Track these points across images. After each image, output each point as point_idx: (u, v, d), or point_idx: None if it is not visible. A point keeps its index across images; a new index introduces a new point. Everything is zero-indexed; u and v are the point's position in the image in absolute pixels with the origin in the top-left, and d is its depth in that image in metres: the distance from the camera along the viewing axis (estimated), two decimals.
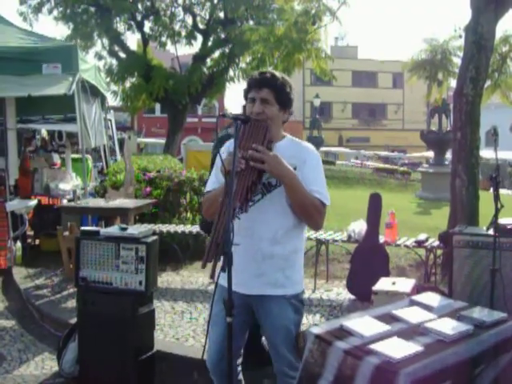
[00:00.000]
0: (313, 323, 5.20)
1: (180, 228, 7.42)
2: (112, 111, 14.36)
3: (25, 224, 8.19)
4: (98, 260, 4.11)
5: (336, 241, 6.63)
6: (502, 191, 10.43)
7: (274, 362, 3.04)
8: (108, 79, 19.05)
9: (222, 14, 20.47)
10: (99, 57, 20.61)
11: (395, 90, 53.91)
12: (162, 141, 25.04)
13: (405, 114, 54.38)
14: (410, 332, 2.75)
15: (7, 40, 7.63)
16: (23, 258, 7.82)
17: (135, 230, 4.31)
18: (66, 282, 6.69)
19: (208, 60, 21.11)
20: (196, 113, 40.46)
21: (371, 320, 2.87)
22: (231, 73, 20.81)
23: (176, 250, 7.44)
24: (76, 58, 7.46)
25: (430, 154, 23.95)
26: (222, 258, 2.46)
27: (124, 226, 4.42)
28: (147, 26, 20.73)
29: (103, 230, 4.34)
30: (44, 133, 11.93)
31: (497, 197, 4.05)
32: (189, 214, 8.36)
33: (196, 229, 7.38)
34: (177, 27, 20.78)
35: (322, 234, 6.67)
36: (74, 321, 4.71)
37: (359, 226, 6.39)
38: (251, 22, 19.45)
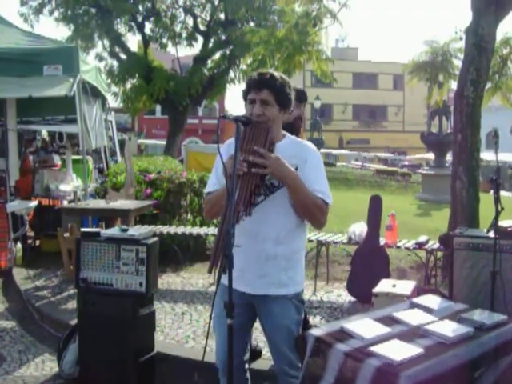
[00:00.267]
0: (313, 325, 5.19)
1: (180, 229, 7.42)
2: (113, 112, 14.36)
3: (25, 225, 8.19)
4: (98, 261, 4.12)
5: (336, 243, 6.63)
6: (503, 193, 10.44)
7: (275, 362, 3.05)
8: (109, 80, 19.06)
9: (222, 16, 20.49)
10: (100, 58, 20.64)
11: (396, 91, 53.94)
12: (163, 142, 25.04)
13: (405, 115, 54.40)
14: (411, 334, 2.74)
15: (8, 41, 7.65)
16: (23, 259, 7.82)
17: (136, 231, 4.32)
18: (66, 283, 6.69)
19: (209, 61, 21.12)
20: (196, 114, 40.47)
21: (372, 322, 2.87)
22: (232, 74, 20.83)
23: (176, 251, 7.43)
24: (77, 60, 7.48)
25: (431, 155, 23.98)
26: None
27: (124, 227, 4.42)
28: (148, 27, 20.76)
29: (104, 232, 4.35)
30: (44, 134, 11.94)
31: (497, 199, 4.05)
32: (189, 216, 8.35)
33: (196, 230, 7.38)
34: (177, 29, 20.79)
35: (322, 236, 6.68)
36: (74, 322, 4.72)
37: (360, 228, 6.39)
38: (252, 24, 19.45)
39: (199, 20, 20.90)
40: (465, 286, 4.64)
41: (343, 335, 2.71)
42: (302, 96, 4.63)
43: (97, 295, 4.12)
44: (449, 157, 17.49)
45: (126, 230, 4.22)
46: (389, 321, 2.91)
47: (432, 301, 3.21)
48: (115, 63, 20.66)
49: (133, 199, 7.37)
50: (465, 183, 6.49)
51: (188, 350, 4.76)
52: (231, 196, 2.48)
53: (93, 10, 19.46)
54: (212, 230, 7.28)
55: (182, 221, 8.12)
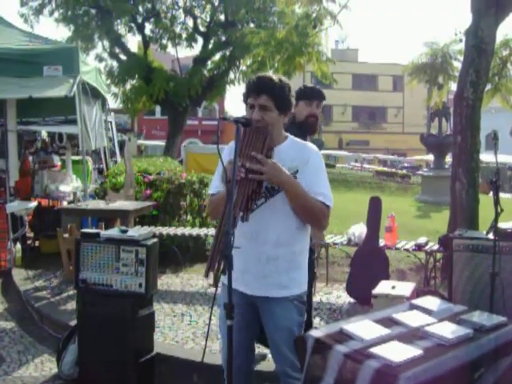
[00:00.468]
0: (313, 326, 5.19)
1: (180, 230, 7.42)
2: (112, 113, 14.37)
3: (25, 226, 8.19)
4: (98, 262, 4.12)
5: (336, 244, 6.64)
6: (502, 195, 10.44)
7: (276, 363, 3.06)
8: (108, 81, 19.07)
9: (222, 17, 20.50)
10: (100, 59, 20.65)
11: (395, 93, 53.94)
12: (162, 143, 25.05)
13: (405, 117, 54.39)
14: (410, 336, 2.75)
15: (8, 42, 7.64)
16: (23, 260, 7.82)
17: (135, 232, 4.32)
18: (65, 284, 6.69)
19: (208, 62, 21.13)
20: (196, 115, 40.46)
21: (371, 324, 2.87)
22: (232, 75, 20.84)
23: (176, 252, 7.43)
24: (77, 60, 7.48)
25: (430, 157, 23.99)
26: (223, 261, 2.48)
27: (124, 228, 4.42)
28: (148, 28, 20.78)
29: (103, 232, 4.35)
30: (44, 134, 11.94)
31: (497, 201, 4.05)
32: (189, 217, 8.36)
33: (196, 231, 7.38)
34: (177, 29, 20.80)
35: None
36: (73, 323, 4.72)
37: (359, 230, 6.39)
38: (252, 25, 19.45)
39: (199, 21, 20.92)
40: (464, 287, 4.64)
41: (343, 336, 2.72)
42: (310, 94, 4.58)
43: (96, 296, 4.12)
44: (448, 158, 17.51)
45: (125, 231, 4.23)
46: (388, 322, 2.91)
47: (431, 302, 3.21)
48: (115, 64, 20.68)
49: (132, 200, 7.38)
50: (464, 185, 6.50)
51: (187, 351, 4.77)
52: (230, 197, 2.49)
53: (93, 11, 19.47)
54: (212, 231, 7.28)
55: (182, 222, 8.12)
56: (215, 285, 2.71)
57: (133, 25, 20.40)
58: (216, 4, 20.29)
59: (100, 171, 11.31)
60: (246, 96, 2.92)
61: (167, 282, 6.93)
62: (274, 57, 11.99)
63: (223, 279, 2.56)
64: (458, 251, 4.71)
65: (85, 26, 19.08)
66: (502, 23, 6.79)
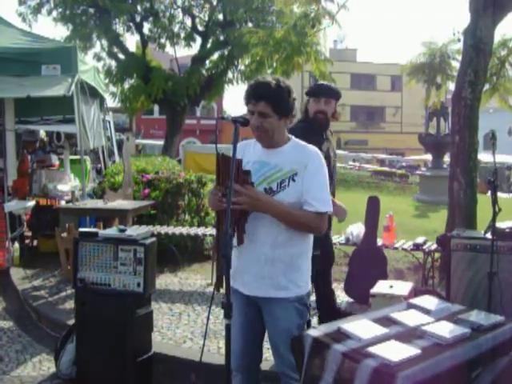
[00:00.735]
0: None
1: (178, 230, 7.42)
2: (111, 112, 14.36)
3: (23, 225, 8.20)
4: (96, 261, 4.12)
5: (334, 243, 6.63)
6: (500, 195, 10.42)
7: (277, 364, 3.07)
8: (107, 80, 19.03)
9: (221, 16, 20.46)
10: (98, 58, 20.57)
11: (394, 92, 53.93)
12: (161, 142, 25.02)
13: (403, 116, 54.37)
14: (408, 335, 2.75)
15: (6, 41, 7.64)
16: (21, 259, 7.82)
17: (133, 231, 4.32)
18: (63, 283, 6.69)
19: (207, 62, 21.09)
20: (195, 114, 40.43)
21: (369, 323, 2.88)
22: (230, 75, 20.79)
23: (174, 251, 7.43)
24: (75, 60, 7.47)
25: (428, 157, 23.96)
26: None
27: (122, 227, 4.42)
28: (146, 27, 20.71)
29: (101, 232, 4.35)
30: (42, 134, 11.92)
31: (495, 200, 4.06)
32: (187, 216, 8.35)
33: (194, 231, 7.38)
34: (176, 29, 20.76)
35: None
36: (71, 322, 4.72)
37: (357, 229, 6.39)
38: (250, 25, 19.42)
39: (197, 20, 20.87)
40: (462, 287, 4.65)
41: (340, 336, 2.72)
42: (317, 91, 4.58)
43: (94, 295, 4.12)
44: (446, 158, 17.50)
45: (123, 230, 4.23)
46: (386, 321, 2.91)
47: (429, 302, 3.22)
48: (113, 63, 20.62)
49: (131, 199, 7.37)
50: (462, 184, 6.50)
51: (185, 351, 4.77)
52: (229, 197, 2.50)
53: (91, 10, 19.42)
54: (210, 231, 7.28)
55: (180, 221, 8.11)
56: (217, 289, 2.76)
57: (131, 24, 20.35)
58: (214, 3, 20.26)
59: (98, 170, 11.29)
60: (246, 102, 2.93)
61: (165, 281, 6.93)
62: (273, 56, 11.98)
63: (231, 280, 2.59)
64: (455, 251, 4.72)
65: (83, 25, 19.03)
66: (500, 23, 6.80)
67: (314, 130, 4.50)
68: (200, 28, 20.90)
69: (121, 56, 20.52)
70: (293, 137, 3.04)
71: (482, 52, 6.54)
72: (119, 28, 20.39)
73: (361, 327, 2.79)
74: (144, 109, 23.45)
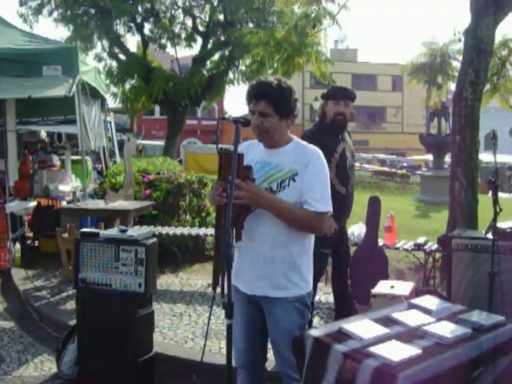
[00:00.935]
0: (312, 327, 5.20)
1: (179, 230, 7.42)
2: (112, 113, 14.37)
3: (24, 225, 8.20)
4: (97, 262, 4.12)
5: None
6: (501, 195, 10.41)
7: (278, 364, 3.08)
8: (108, 81, 19.04)
9: (221, 17, 20.47)
10: (99, 59, 20.60)
11: (395, 93, 53.91)
12: (162, 143, 25.03)
13: (404, 117, 54.34)
14: (409, 335, 2.75)
15: (7, 42, 7.65)
16: (22, 260, 7.82)
17: (135, 231, 4.32)
18: (65, 284, 6.69)
19: (208, 62, 21.10)
20: (195, 115, 40.42)
21: (370, 323, 2.88)
22: (231, 75, 20.80)
23: (175, 252, 7.44)
24: (76, 60, 7.48)
25: (429, 157, 23.96)
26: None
27: (123, 227, 4.42)
28: (147, 28, 20.73)
29: (103, 232, 4.35)
30: (43, 134, 11.94)
31: (496, 200, 4.06)
32: (188, 217, 8.36)
33: (195, 231, 7.38)
34: (177, 29, 20.78)
35: None
36: (73, 322, 4.72)
37: (358, 229, 6.39)
38: (251, 25, 19.43)
39: (198, 21, 20.88)
40: (463, 287, 4.65)
41: (342, 336, 2.72)
42: (337, 93, 4.76)
43: (96, 296, 4.12)
44: (447, 158, 17.47)
45: (125, 231, 4.23)
46: (387, 322, 2.91)
47: (430, 302, 3.22)
48: (114, 64, 20.64)
49: (132, 200, 7.38)
50: (463, 184, 6.50)
51: (187, 351, 4.77)
52: (230, 197, 2.50)
53: (92, 11, 19.43)
54: (211, 231, 7.29)
55: (181, 221, 8.12)
56: (213, 287, 2.79)
57: (132, 25, 20.37)
58: (215, 4, 20.26)
59: (99, 171, 11.31)
60: (247, 101, 2.94)
61: (166, 281, 6.94)
62: (274, 57, 11.98)
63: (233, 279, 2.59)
64: (456, 251, 4.72)
65: (84, 26, 19.04)
66: (501, 23, 6.80)
67: (329, 131, 4.64)
68: (201, 28, 20.91)
69: (122, 57, 20.54)
70: (295, 137, 3.05)
71: (482, 52, 6.54)
72: (120, 29, 20.42)
73: (362, 327, 2.80)
74: (145, 109, 23.48)
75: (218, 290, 2.60)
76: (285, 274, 2.92)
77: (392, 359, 2.45)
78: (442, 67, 17.56)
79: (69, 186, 9.07)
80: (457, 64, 16.30)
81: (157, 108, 32.59)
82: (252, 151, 3.01)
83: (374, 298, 4.35)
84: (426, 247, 6.24)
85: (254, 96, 2.88)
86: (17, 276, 7.19)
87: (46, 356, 5.02)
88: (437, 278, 6.37)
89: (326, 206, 2.89)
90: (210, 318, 2.97)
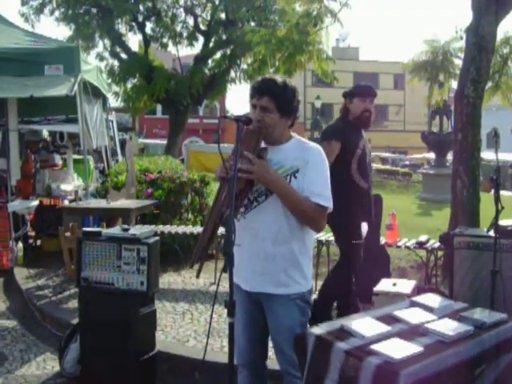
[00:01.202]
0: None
1: (181, 229, 7.43)
2: (113, 112, 14.37)
3: (26, 224, 8.21)
4: (99, 260, 4.13)
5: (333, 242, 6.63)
6: (503, 193, 10.40)
7: (279, 362, 3.07)
8: (109, 80, 19.05)
9: (223, 15, 20.49)
10: (101, 58, 20.64)
11: (396, 91, 53.88)
12: (164, 142, 25.05)
13: (406, 115, 54.32)
14: (411, 333, 2.75)
15: (9, 41, 7.66)
16: (25, 259, 7.84)
17: (137, 230, 4.33)
18: (67, 283, 6.71)
19: (209, 61, 21.12)
20: (197, 114, 40.46)
21: (372, 321, 2.88)
22: (232, 74, 20.83)
23: (177, 250, 7.44)
24: (78, 59, 7.48)
25: (431, 155, 23.94)
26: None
27: (125, 226, 4.43)
28: (149, 27, 20.77)
29: (105, 231, 4.36)
30: (45, 133, 11.94)
31: (497, 198, 4.06)
32: (190, 215, 8.36)
33: (197, 230, 7.39)
34: (178, 28, 20.79)
35: (322, 236, 6.68)
36: (75, 321, 4.73)
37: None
38: (252, 24, 19.44)
39: (200, 20, 20.91)
40: (465, 285, 4.65)
41: (343, 334, 2.72)
42: (365, 91, 5.00)
43: (98, 294, 4.13)
44: (449, 156, 17.47)
45: (127, 230, 4.24)
46: (389, 319, 2.91)
47: (432, 299, 3.22)
48: (116, 63, 20.67)
49: (134, 199, 7.38)
50: (465, 182, 6.50)
51: (189, 349, 4.78)
52: (232, 196, 2.51)
53: (94, 10, 19.47)
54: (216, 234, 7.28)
55: (183, 220, 8.13)
56: (197, 275, 2.83)
57: (133, 24, 20.40)
58: (217, 3, 20.28)
59: (101, 170, 11.31)
60: (251, 96, 2.95)
61: (169, 280, 6.95)
62: (275, 55, 11.98)
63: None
64: (458, 249, 4.72)
65: (85, 25, 19.07)
66: (503, 21, 6.79)
67: (351, 128, 4.86)
68: (202, 27, 20.92)
69: (123, 56, 20.57)
70: (295, 135, 3.05)
71: (484, 50, 6.54)
72: (122, 28, 20.47)
73: (364, 325, 2.80)
74: (147, 108, 23.49)
75: (224, 288, 2.61)
76: (285, 270, 2.92)
77: (394, 357, 2.45)
78: (444, 65, 17.55)
79: (71, 185, 9.08)
80: (458, 62, 16.31)
81: (159, 107, 32.60)
82: None
83: (375, 296, 4.34)
84: (427, 245, 6.23)
85: (257, 91, 2.89)
86: (19, 275, 7.20)
87: (48, 355, 5.04)
88: (439, 276, 6.36)
89: (327, 201, 2.89)
90: (211, 317, 2.98)
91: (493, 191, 4.18)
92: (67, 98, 7.17)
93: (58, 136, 11.15)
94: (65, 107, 8.90)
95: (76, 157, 10.31)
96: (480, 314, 2.99)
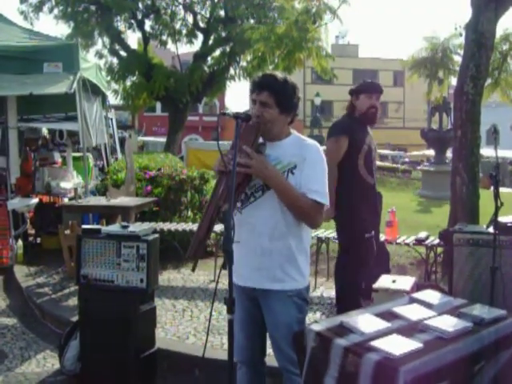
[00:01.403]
0: (313, 321, 5.20)
1: (181, 226, 7.43)
2: (113, 110, 14.36)
3: (26, 222, 8.21)
4: (99, 258, 4.13)
5: (336, 239, 6.63)
6: (503, 189, 10.39)
7: (277, 359, 3.07)
8: (109, 78, 19.02)
9: (222, 13, 20.45)
10: (100, 55, 20.58)
11: (396, 88, 53.81)
12: (163, 139, 25.03)
13: (405, 112, 54.29)
14: (410, 329, 2.76)
15: (8, 39, 7.65)
16: (24, 257, 7.84)
17: (136, 228, 4.33)
18: (67, 280, 6.71)
19: (209, 58, 21.08)
20: (197, 111, 40.44)
21: (371, 317, 2.88)
22: (232, 71, 20.79)
23: (177, 248, 7.44)
24: (77, 57, 7.48)
25: (431, 152, 23.92)
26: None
27: (125, 224, 4.43)
28: (148, 24, 20.70)
29: (104, 228, 4.36)
30: (45, 131, 11.95)
31: (497, 194, 4.06)
32: (189, 213, 8.37)
33: (197, 227, 7.38)
34: (177, 26, 20.75)
35: (322, 233, 6.69)
36: (75, 319, 4.73)
37: None
38: (252, 21, 19.42)
39: (199, 17, 20.86)
40: (464, 281, 4.66)
41: (343, 330, 2.73)
42: (371, 87, 5.10)
43: (98, 292, 4.14)
44: (449, 153, 17.47)
45: (126, 227, 4.24)
46: (388, 316, 2.92)
47: (431, 296, 3.22)
48: (115, 60, 20.62)
49: (133, 196, 7.39)
50: (465, 179, 6.50)
51: (189, 346, 4.79)
52: (230, 193, 2.51)
53: (92, 8, 19.42)
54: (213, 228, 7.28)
55: (183, 217, 8.13)
56: (193, 269, 2.96)
57: (133, 21, 20.35)
58: (216, 0, 20.25)
59: (101, 168, 11.32)
60: (251, 91, 2.96)
61: (168, 277, 6.95)
62: (274, 52, 11.99)
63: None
64: (458, 245, 4.72)
65: (84, 23, 19.02)
66: (502, 18, 6.78)
67: (358, 124, 4.93)
68: (201, 25, 20.88)
69: (122, 53, 20.53)
70: (294, 131, 3.05)
71: (483, 46, 6.53)
72: (121, 25, 20.41)
73: (363, 321, 2.80)
74: (146, 106, 23.46)
75: (223, 286, 2.61)
76: (281, 266, 2.92)
77: (393, 353, 2.45)
78: (443, 62, 17.54)
79: (70, 182, 9.08)
80: (458, 58, 16.30)
81: (158, 105, 32.63)
82: None
83: (375, 292, 4.35)
84: (427, 242, 6.24)
85: (257, 86, 2.90)
86: (19, 273, 7.21)
87: (48, 352, 5.04)
88: (438, 273, 6.37)
89: (324, 198, 2.89)
90: (211, 314, 2.98)
91: (492, 188, 4.18)
92: (66, 95, 7.16)
93: (58, 134, 11.16)
94: (64, 105, 8.90)
95: (75, 154, 10.31)
96: (479, 311, 2.99)
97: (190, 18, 20.86)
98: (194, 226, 7.42)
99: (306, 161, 2.89)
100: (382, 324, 2.79)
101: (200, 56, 20.66)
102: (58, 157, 10.41)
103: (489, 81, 12.03)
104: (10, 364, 4.77)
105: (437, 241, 6.15)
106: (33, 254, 8.04)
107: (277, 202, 2.87)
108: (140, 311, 4.09)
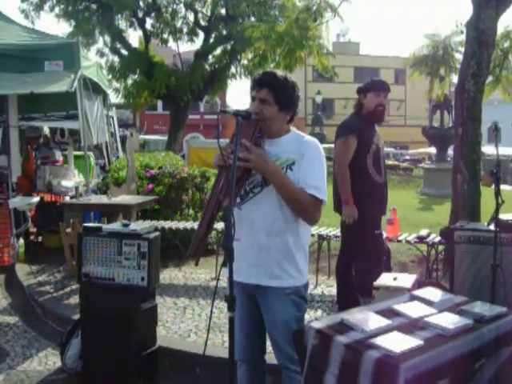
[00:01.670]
0: (314, 319, 5.21)
1: (182, 224, 7.44)
2: (114, 108, 14.36)
3: (27, 221, 8.22)
4: (100, 256, 4.13)
5: (337, 236, 6.63)
6: (504, 187, 10.39)
7: (276, 356, 3.08)
8: (110, 76, 19.02)
9: (223, 11, 20.42)
10: (101, 54, 20.58)
11: (397, 86, 53.64)
12: (164, 138, 25.03)
13: (407, 110, 54.24)
14: (411, 326, 2.76)
15: (9, 37, 7.64)
16: (26, 255, 7.86)
17: (137, 226, 4.34)
18: (68, 279, 6.73)
19: (210, 57, 21.06)
20: (198, 109, 40.42)
21: (372, 314, 2.88)
22: (233, 69, 20.77)
23: (178, 246, 7.45)
24: (78, 56, 7.47)
25: (432, 150, 23.94)
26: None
27: (126, 222, 4.44)
28: (149, 22, 20.68)
29: (105, 226, 4.37)
30: (46, 130, 11.95)
31: (498, 192, 4.06)
32: (191, 211, 8.37)
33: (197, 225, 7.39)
34: (178, 24, 20.72)
35: (323, 230, 6.69)
36: (76, 317, 4.75)
37: None
38: (253, 19, 19.40)
39: (200, 15, 20.83)
40: (465, 278, 4.66)
41: (343, 327, 2.73)
42: (379, 86, 5.08)
43: (99, 290, 4.14)
44: (450, 151, 17.46)
45: (127, 225, 4.24)
46: (389, 313, 2.92)
47: (432, 293, 3.22)
48: (116, 59, 20.61)
49: (134, 194, 7.39)
50: (466, 177, 6.50)
51: (190, 344, 4.79)
52: (231, 188, 2.51)
53: (93, 6, 19.40)
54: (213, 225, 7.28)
55: (184, 216, 8.14)
56: (196, 263, 3.04)
57: (134, 20, 20.33)
58: None
59: (102, 166, 11.32)
60: (251, 89, 2.96)
61: (170, 275, 6.96)
62: (275, 50, 11.99)
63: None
64: (459, 243, 4.73)
65: (85, 22, 19.01)
66: (503, 15, 6.78)
67: (366, 123, 4.95)
68: (203, 23, 20.87)
69: (124, 52, 20.52)
70: (294, 129, 3.05)
71: (484, 44, 6.53)
72: (122, 24, 20.38)
73: (364, 319, 2.80)
74: (147, 104, 23.44)
75: (224, 284, 2.61)
76: (279, 262, 2.92)
77: (394, 350, 2.45)
78: (445, 59, 17.52)
79: (72, 181, 9.09)
80: (459, 56, 16.28)
81: (159, 103, 32.58)
82: None
83: (376, 290, 4.35)
84: (428, 240, 6.24)
85: (257, 83, 2.91)
86: (20, 271, 7.22)
87: (50, 350, 5.05)
88: (439, 271, 6.37)
89: (323, 194, 2.89)
90: (212, 312, 2.98)
91: (493, 185, 4.18)
92: (67, 94, 7.15)
93: (59, 132, 11.15)
94: (65, 103, 8.89)
95: (77, 153, 10.31)
96: (480, 308, 2.99)
97: (190, 17, 20.85)
98: (195, 224, 7.42)
99: (305, 157, 2.89)
100: (383, 321, 2.79)
101: (201, 54, 20.64)
102: (59, 155, 10.41)
103: (490, 78, 12.01)
104: (11, 362, 4.78)
105: (438, 238, 6.16)
106: (34, 253, 8.05)
107: (275, 197, 2.87)
108: (141, 309, 4.10)
